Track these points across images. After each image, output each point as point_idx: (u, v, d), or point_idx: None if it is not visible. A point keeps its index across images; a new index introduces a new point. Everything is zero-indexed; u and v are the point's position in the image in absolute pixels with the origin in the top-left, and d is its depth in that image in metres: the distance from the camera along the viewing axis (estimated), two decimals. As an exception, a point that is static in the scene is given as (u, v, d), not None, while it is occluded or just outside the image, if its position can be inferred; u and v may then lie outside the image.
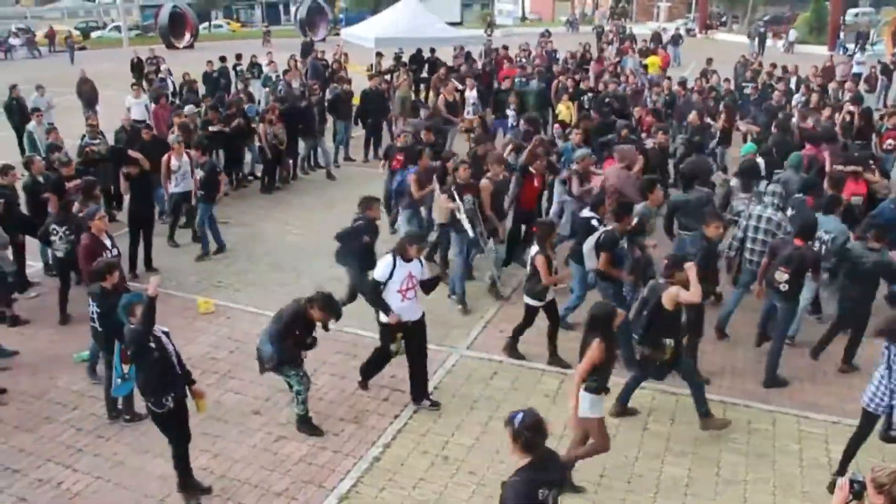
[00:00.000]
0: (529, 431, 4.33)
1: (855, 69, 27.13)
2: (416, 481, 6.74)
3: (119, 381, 7.19)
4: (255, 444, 7.26)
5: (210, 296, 10.33)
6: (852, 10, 58.42)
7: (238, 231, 12.83)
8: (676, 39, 32.56)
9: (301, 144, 16.19)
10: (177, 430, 6.46)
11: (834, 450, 7.17)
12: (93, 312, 7.47)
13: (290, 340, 7.14)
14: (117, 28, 51.11)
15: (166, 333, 6.43)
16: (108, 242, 8.70)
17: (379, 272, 7.61)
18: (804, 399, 8.03)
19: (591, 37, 34.37)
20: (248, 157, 15.84)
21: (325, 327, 7.39)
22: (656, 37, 34.46)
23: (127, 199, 11.89)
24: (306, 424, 7.48)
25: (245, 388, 8.17)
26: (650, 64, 25.44)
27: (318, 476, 6.82)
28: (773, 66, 22.80)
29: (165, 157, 11.82)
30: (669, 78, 19.62)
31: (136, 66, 26.04)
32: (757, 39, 36.05)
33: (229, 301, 10.29)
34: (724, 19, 67.24)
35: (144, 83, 21.95)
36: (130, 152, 11.39)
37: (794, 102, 17.45)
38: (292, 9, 54.20)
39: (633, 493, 6.61)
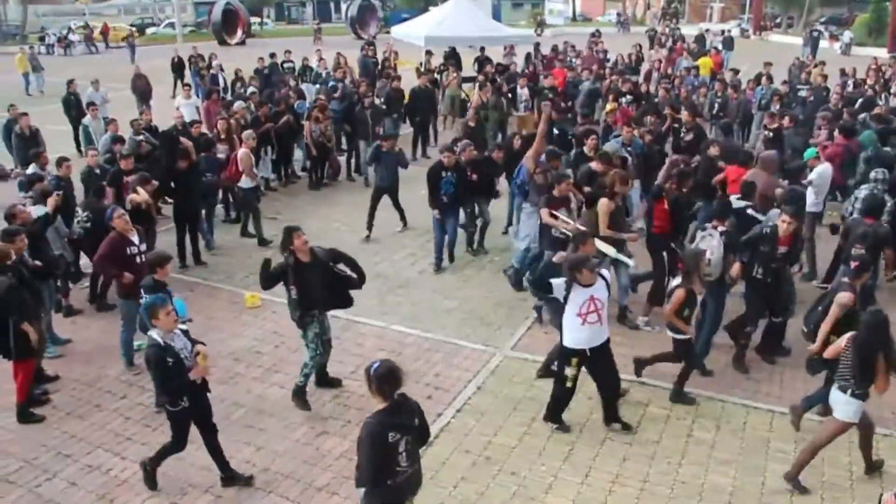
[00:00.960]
0: (381, 380, 4.91)
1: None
2: (458, 481, 6.74)
3: None
4: (297, 439, 7.33)
5: (257, 290, 10.42)
6: (915, 11, 56.67)
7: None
8: (728, 42, 31.93)
9: (362, 145, 15.84)
10: (186, 429, 6.48)
11: (887, 462, 7.01)
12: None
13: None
14: (171, 25, 52.08)
15: (186, 333, 6.39)
16: (135, 239, 8.70)
17: (559, 293, 7.12)
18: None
19: (643, 38, 33.97)
20: (297, 153, 16.02)
21: None
22: (700, 38, 33.92)
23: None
24: (298, 396, 7.72)
25: (289, 383, 8.21)
26: (702, 65, 25.04)
27: (359, 472, 6.85)
28: (824, 64, 22.44)
29: (241, 151, 12.18)
30: (722, 80, 19.28)
31: (177, 66, 26.32)
32: (810, 44, 35.11)
33: (275, 296, 10.35)
34: (778, 20, 65.96)
35: (197, 79, 22.30)
36: (183, 140, 11.62)
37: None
38: (343, 6, 54.53)
39: (676, 499, 6.53)
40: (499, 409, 7.80)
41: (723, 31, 34.69)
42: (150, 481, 6.65)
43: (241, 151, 12.06)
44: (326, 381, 8.24)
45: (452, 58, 23.87)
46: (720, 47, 30.91)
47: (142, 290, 7.37)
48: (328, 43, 35.03)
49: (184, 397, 6.26)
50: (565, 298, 6.98)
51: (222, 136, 12.98)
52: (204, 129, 13.68)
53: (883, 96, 19.15)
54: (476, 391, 8.09)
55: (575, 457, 7.05)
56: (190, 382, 6.21)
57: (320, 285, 7.57)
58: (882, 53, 40.09)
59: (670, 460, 7.03)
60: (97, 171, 11.20)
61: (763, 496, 6.58)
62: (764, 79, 19.12)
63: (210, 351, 8.58)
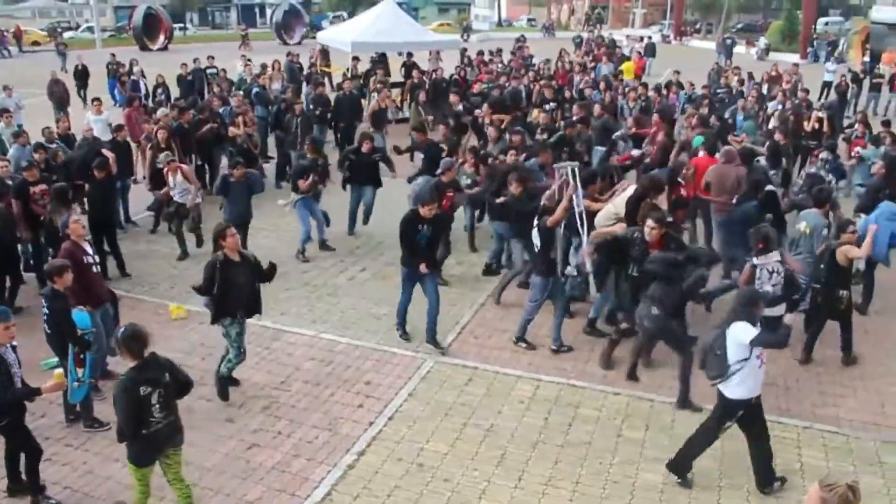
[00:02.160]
0: (127, 341, 5.49)
1: (826, 77, 27.56)
2: (391, 489, 6.69)
3: (75, 384, 7.03)
4: (227, 453, 7.17)
5: (183, 301, 10.20)
6: (823, 19, 59.21)
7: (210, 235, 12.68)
8: (650, 48, 32.64)
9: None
10: (24, 435, 6.39)
11: (806, 454, 7.26)
12: (44, 315, 7.21)
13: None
14: (90, 29, 50.64)
15: (13, 348, 6.17)
16: (89, 249, 8.38)
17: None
18: (777, 405, 8.07)
19: (569, 43, 34.51)
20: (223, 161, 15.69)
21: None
22: (612, 43, 34.69)
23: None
24: (221, 385, 8.00)
25: (217, 396, 8.07)
26: (625, 70, 25.59)
27: (291, 484, 6.74)
28: (738, 69, 23.36)
29: (165, 170, 11.89)
30: (645, 84, 19.79)
31: (81, 74, 25.10)
32: (724, 51, 35.96)
33: (202, 306, 10.14)
34: (698, 26, 67.93)
35: (118, 87, 21.71)
36: (104, 151, 11.30)
37: (769, 109, 17.68)
38: (268, 11, 53.93)
39: (609, 499, 6.60)
40: (430, 415, 7.78)
41: (642, 38, 35.43)
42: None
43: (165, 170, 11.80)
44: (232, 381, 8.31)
45: (381, 63, 23.81)
46: (642, 53, 31.59)
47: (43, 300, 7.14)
48: (255, 49, 34.57)
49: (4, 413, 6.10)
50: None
51: (162, 146, 12.57)
52: (127, 136, 13.30)
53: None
54: (407, 398, 8.05)
55: (507, 461, 7.07)
56: (10, 399, 6.06)
57: (243, 288, 7.78)
58: (795, 58, 41.64)
59: (602, 460, 7.11)
60: (8, 181, 10.75)
61: (692, 491, 6.71)
62: (674, 86, 19.68)
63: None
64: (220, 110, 15.72)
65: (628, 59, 27.86)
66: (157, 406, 5.53)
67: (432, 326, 9.05)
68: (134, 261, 11.45)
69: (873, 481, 6.92)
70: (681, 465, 6.80)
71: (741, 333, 6.23)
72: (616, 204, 9.28)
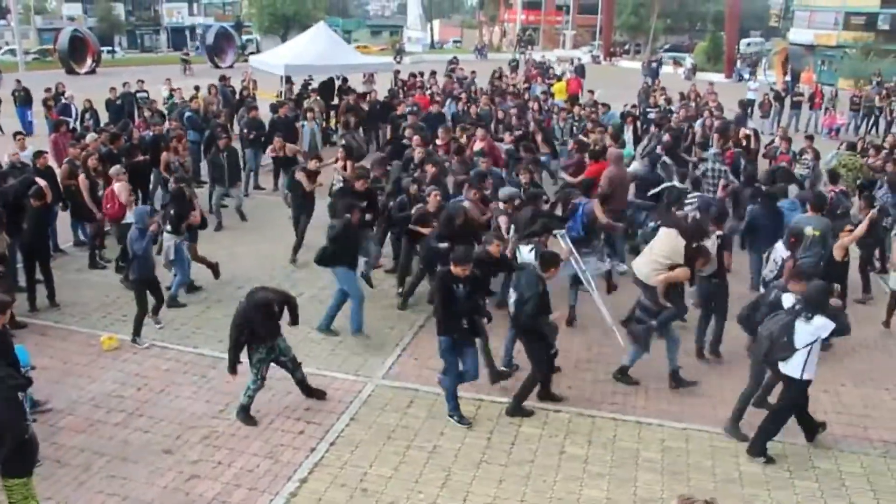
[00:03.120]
0: None
1: (748, 95, 28.53)
2: (335, 516, 6.61)
3: None
4: (165, 485, 6.98)
5: (116, 331, 9.94)
6: (745, 40, 61.40)
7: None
8: (580, 69, 33.15)
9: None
10: None
11: (744, 462, 7.44)
12: None
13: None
14: (12, 52, 49.22)
15: None
16: None
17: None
18: (714, 416, 8.25)
19: (501, 64, 34.90)
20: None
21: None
22: (540, 64, 35.35)
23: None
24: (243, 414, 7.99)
25: (154, 427, 7.87)
26: (556, 91, 26.00)
27: (232, 515, 6.61)
28: (664, 89, 24.27)
29: (108, 189, 11.52)
30: (581, 105, 20.23)
31: None
32: (650, 74, 36.43)
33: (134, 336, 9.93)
34: (627, 47, 69.63)
35: (45, 112, 21.10)
36: (38, 180, 10.99)
37: (696, 126, 18.21)
38: (198, 33, 53.32)
39: (553, 517, 6.65)
40: (373, 439, 7.72)
41: (572, 60, 36.08)
42: None
43: (118, 185, 11.42)
44: (309, 393, 8.40)
45: (326, 88, 23.66)
46: (574, 74, 32.12)
47: None
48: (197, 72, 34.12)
49: None
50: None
51: (93, 172, 12.24)
52: (51, 161, 12.92)
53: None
54: (349, 422, 7.98)
55: (452, 482, 7.06)
56: None
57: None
58: (720, 78, 42.99)
59: (545, 478, 7.15)
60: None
61: (635, 506, 6.81)
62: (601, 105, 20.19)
63: (66, 398, 8.23)
64: (144, 133, 15.42)
65: (559, 79, 28.27)
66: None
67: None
68: (64, 290, 11.09)
69: (808, 485, 7.15)
70: (759, 447, 7.48)
71: (822, 327, 7.04)
72: (663, 252, 8.74)
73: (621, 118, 19.16)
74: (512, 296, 8.10)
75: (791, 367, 7.19)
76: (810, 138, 16.59)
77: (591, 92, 23.01)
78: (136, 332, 9.68)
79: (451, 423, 7.97)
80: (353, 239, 9.83)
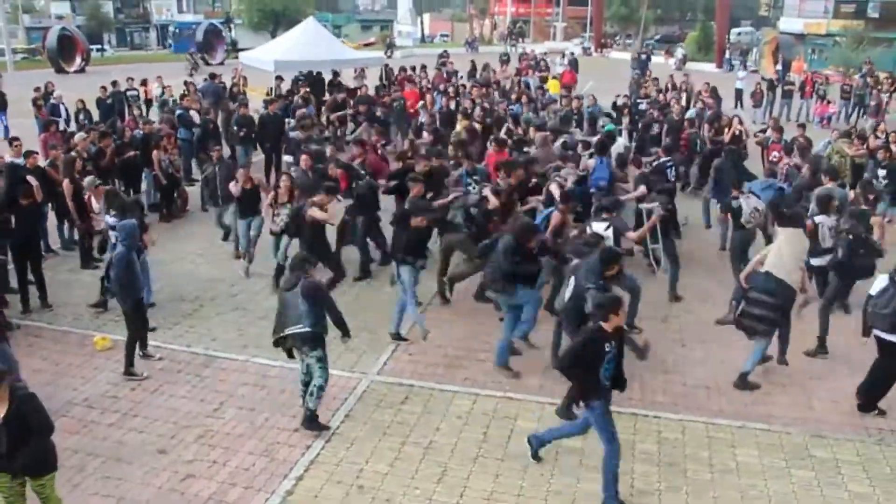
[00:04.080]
0: None
1: (737, 85, 28.61)
2: (331, 513, 6.60)
3: None
4: (161, 486, 6.95)
5: (110, 331, 9.89)
6: (735, 30, 61.38)
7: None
8: (573, 63, 32.99)
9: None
10: None
11: (740, 452, 7.44)
12: None
13: None
14: (0, 51, 48.98)
15: None
16: None
17: None
18: (710, 406, 8.26)
19: (492, 58, 34.81)
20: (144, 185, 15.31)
21: None
22: (543, 62, 35.05)
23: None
24: (315, 422, 7.69)
25: (149, 427, 7.84)
26: (550, 86, 25.95)
27: (228, 514, 6.59)
28: (657, 80, 24.35)
29: (87, 196, 11.52)
30: (579, 97, 20.23)
31: None
32: (639, 66, 35.88)
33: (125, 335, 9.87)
34: (618, 38, 69.59)
35: (34, 111, 20.95)
36: (30, 179, 10.94)
37: (688, 115, 18.26)
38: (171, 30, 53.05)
39: (550, 510, 6.64)
40: (368, 435, 7.70)
41: (563, 54, 35.97)
42: None
43: (86, 196, 11.46)
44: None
45: (316, 83, 23.58)
46: (568, 67, 32.07)
47: None
48: (179, 71, 33.84)
49: None
50: None
51: (77, 174, 12.16)
52: (41, 161, 12.84)
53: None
54: (345, 419, 7.96)
55: (448, 478, 7.04)
56: None
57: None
58: (711, 67, 43.03)
59: (542, 472, 7.14)
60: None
61: (633, 497, 6.79)
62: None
63: (60, 399, 8.19)
64: (134, 132, 15.35)
65: (555, 78, 28.14)
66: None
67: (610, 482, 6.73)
68: (57, 291, 11.05)
69: (804, 474, 7.17)
70: (871, 404, 8.12)
71: None
72: (796, 253, 8.72)
73: (614, 109, 19.16)
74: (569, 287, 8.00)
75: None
76: (802, 127, 16.68)
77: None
78: (130, 362, 8.89)
79: (446, 418, 7.95)
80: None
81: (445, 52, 35.98)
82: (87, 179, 11.75)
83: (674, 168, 13.56)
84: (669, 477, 7.07)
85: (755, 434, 7.78)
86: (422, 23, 71.75)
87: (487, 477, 7.06)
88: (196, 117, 17.31)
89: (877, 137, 15.86)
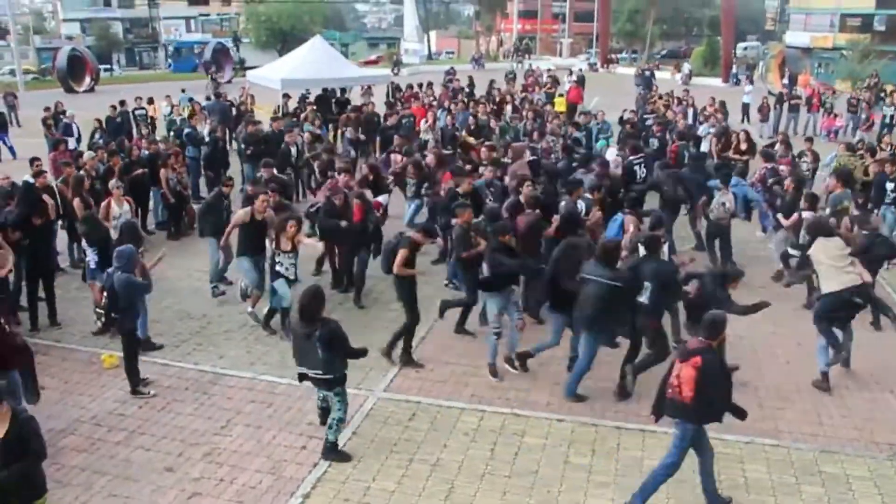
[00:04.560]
0: None
1: (744, 99, 28.62)
2: (338, 531, 6.57)
3: None
4: (167, 504, 6.96)
5: (116, 349, 9.87)
6: (742, 45, 61.56)
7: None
8: (580, 80, 32.93)
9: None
10: None
11: (749, 468, 7.39)
12: None
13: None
14: (12, 72, 49.42)
15: None
16: None
17: None
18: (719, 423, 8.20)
19: (499, 74, 34.90)
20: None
21: None
22: (554, 80, 34.80)
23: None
24: (335, 452, 7.57)
25: (156, 445, 7.83)
26: (556, 104, 25.95)
27: (235, 533, 6.57)
28: (661, 97, 24.58)
29: (105, 203, 11.68)
30: (587, 113, 20.33)
31: None
32: (643, 83, 34.38)
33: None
34: (624, 54, 69.79)
35: (45, 131, 21.11)
36: (46, 198, 11.03)
37: (701, 131, 18.40)
38: (195, 50, 53.51)
39: (558, 528, 6.60)
40: (375, 452, 7.68)
41: (571, 71, 35.97)
42: None
43: (113, 202, 11.78)
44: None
45: (323, 101, 23.70)
46: (575, 83, 32.12)
47: None
48: (188, 89, 34.01)
49: None
50: None
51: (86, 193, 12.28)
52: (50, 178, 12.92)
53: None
54: (351, 436, 7.93)
55: (455, 495, 7.01)
56: None
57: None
58: (717, 82, 43.06)
59: (550, 489, 7.11)
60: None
61: (639, 515, 6.75)
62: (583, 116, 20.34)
63: (67, 417, 8.20)
64: (141, 152, 15.43)
65: (561, 95, 28.14)
66: None
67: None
68: (65, 308, 11.09)
69: (814, 490, 7.11)
70: None
71: None
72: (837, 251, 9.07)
73: (620, 124, 19.22)
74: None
75: None
76: (809, 140, 16.76)
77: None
78: (135, 382, 8.88)
79: (453, 435, 7.93)
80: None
81: (452, 68, 36.18)
82: (112, 182, 11.97)
83: (643, 166, 13.75)
84: (678, 493, 7.02)
85: (764, 450, 7.73)
86: (428, 40, 72.07)
87: (495, 494, 7.02)
88: (204, 133, 17.40)
89: (882, 150, 15.87)
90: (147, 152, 15.38)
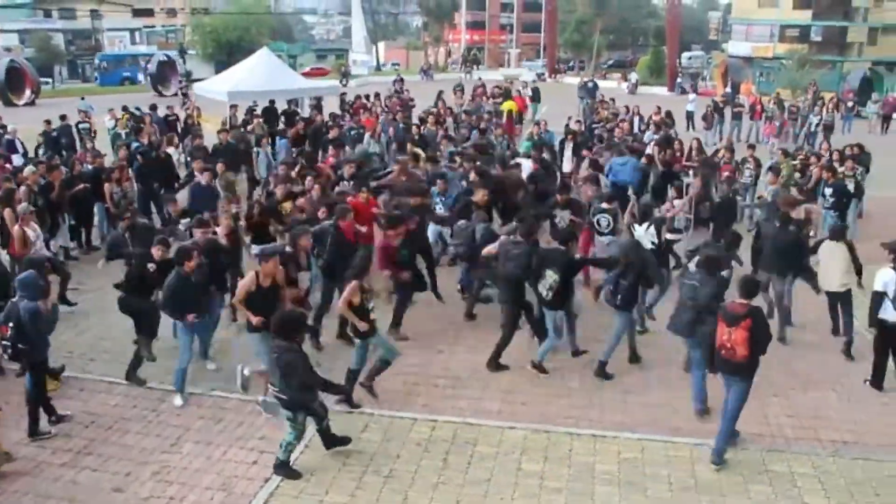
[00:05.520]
0: None
1: (688, 108, 29.23)
2: (291, 546, 6.49)
3: None
4: (115, 525, 6.81)
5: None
6: (686, 54, 62.82)
7: (90, 297, 12.11)
8: (535, 93, 33.03)
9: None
10: None
11: (699, 470, 7.52)
12: None
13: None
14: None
15: None
16: None
17: None
18: (669, 425, 8.32)
19: (448, 85, 34.97)
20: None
21: None
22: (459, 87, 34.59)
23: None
24: (285, 468, 7.48)
25: (103, 465, 7.66)
26: (506, 106, 26.17)
27: (185, 552, 6.45)
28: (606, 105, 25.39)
29: (17, 227, 11.15)
30: (537, 123, 20.57)
31: None
32: (586, 95, 33.30)
33: (81, 372, 9.67)
34: (571, 64, 70.70)
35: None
36: None
37: (646, 138, 18.80)
38: (141, 63, 52.58)
39: (512, 535, 6.62)
40: (328, 466, 7.61)
41: (525, 84, 36.13)
42: None
43: (17, 227, 11.19)
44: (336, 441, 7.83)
45: (269, 113, 23.48)
46: (531, 93, 32.39)
47: None
48: (131, 101, 33.36)
49: None
50: None
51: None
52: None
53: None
54: (304, 450, 7.84)
55: (409, 506, 7.00)
56: None
57: None
58: (663, 91, 43.85)
59: (503, 496, 7.13)
60: None
61: (592, 520, 6.81)
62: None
63: (8, 440, 7.94)
64: (83, 167, 15.11)
65: (510, 98, 28.31)
66: None
67: None
68: None
69: (762, 489, 7.25)
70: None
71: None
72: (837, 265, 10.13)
73: (566, 133, 19.41)
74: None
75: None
76: (752, 148, 17.13)
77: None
78: (36, 420, 8.22)
79: (406, 445, 7.90)
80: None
81: (400, 77, 36.22)
82: (21, 206, 11.53)
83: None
84: (630, 496, 7.10)
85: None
86: (377, 51, 72.15)
87: (449, 503, 7.01)
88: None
89: (819, 157, 16.41)
90: (91, 166, 15.09)
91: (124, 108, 23.53)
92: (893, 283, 8.70)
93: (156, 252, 9.22)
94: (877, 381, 9.15)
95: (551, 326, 9.46)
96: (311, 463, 7.66)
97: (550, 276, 9.13)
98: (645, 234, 10.44)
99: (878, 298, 8.84)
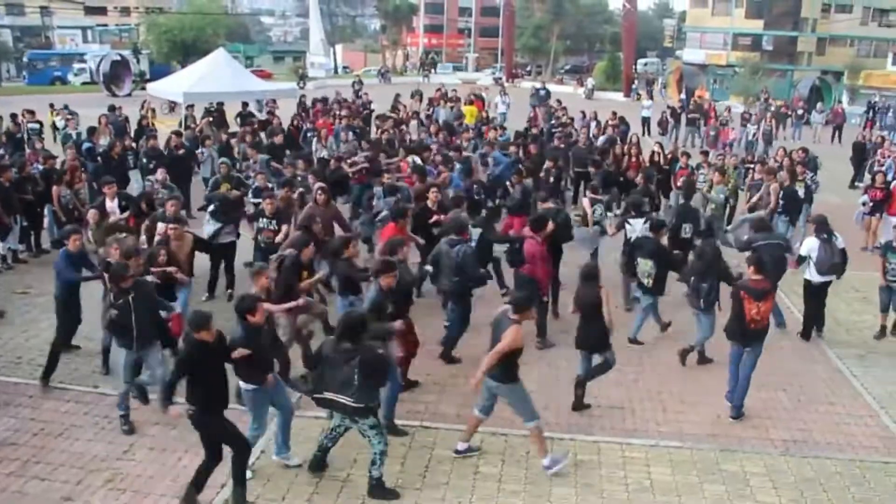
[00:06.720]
0: None
1: (643, 113, 29.64)
2: (247, 553, 6.42)
3: None
4: (64, 535, 6.66)
5: (10, 374, 9.46)
6: (642, 60, 63.72)
7: (41, 302, 11.85)
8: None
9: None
10: None
11: (655, 471, 7.63)
12: None
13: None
14: None
15: None
16: None
17: None
18: (624, 427, 8.42)
19: (405, 89, 34.96)
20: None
21: None
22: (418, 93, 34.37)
23: None
24: (382, 489, 7.14)
25: (52, 474, 7.48)
26: (467, 114, 26.18)
27: (138, 560, 6.35)
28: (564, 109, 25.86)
29: None
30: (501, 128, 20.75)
31: None
32: (538, 102, 31.90)
33: (31, 378, 9.45)
34: (528, 68, 71.19)
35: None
36: None
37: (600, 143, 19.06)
38: (91, 63, 51.22)
39: (469, 538, 6.62)
40: (284, 471, 7.55)
41: (485, 87, 36.05)
42: None
43: None
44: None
45: (217, 113, 23.28)
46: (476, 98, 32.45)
47: None
48: (80, 102, 32.77)
49: None
50: None
51: None
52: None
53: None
54: (260, 455, 7.77)
55: (366, 510, 6.97)
56: None
57: None
58: (619, 97, 44.38)
59: (461, 499, 7.14)
60: None
61: (549, 522, 6.85)
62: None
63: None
64: (32, 168, 14.77)
65: (470, 103, 28.32)
66: None
67: None
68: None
69: (716, 489, 7.38)
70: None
71: None
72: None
73: (524, 136, 19.55)
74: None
75: None
76: (705, 154, 17.53)
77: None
78: None
79: (364, 450, 7.84)
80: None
81: (360, 80, 36.15)
82: None
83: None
84: (587, 497, 7.16)
85: (668, 452, 7.97)
86: (334, 54, 71.84)
87: (406, 508, 7.01)
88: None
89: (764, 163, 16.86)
90: (41, 167, 14.77)
91: (64, 107, 23.18)
92: (815, 249, 10.44)
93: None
94: (806, 332, 10.97)
95: (649, 309, 10.56)
96: (267, 469, 7.60)
97: (645, 264, 10.15)
98: (641, 229, 11.12)
99: (802, 262, 10.68)
